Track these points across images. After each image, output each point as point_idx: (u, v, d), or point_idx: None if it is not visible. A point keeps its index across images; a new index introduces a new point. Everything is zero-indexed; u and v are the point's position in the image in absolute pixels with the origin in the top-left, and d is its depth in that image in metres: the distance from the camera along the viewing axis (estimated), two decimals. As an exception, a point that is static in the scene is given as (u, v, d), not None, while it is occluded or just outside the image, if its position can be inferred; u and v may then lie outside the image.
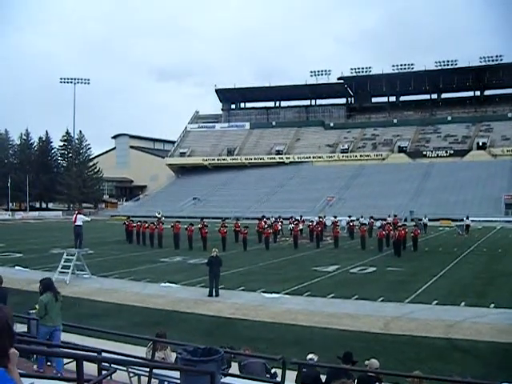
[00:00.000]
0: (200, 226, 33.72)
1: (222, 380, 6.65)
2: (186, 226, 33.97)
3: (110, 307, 16.23)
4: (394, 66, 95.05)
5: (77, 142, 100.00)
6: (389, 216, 46.15)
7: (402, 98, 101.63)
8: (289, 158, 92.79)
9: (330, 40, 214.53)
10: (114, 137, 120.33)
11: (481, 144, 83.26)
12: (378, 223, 39.51)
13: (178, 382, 6.62)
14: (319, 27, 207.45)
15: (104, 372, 6.34)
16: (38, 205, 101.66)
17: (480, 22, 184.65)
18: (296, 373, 7.55)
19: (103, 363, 7.03)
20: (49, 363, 8.98)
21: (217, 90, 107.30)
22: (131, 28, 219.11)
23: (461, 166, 76.96)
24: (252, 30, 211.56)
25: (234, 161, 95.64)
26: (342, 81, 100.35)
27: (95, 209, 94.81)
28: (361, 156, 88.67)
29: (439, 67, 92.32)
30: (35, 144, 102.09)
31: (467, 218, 46.20)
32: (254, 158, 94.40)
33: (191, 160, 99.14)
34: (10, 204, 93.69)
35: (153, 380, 7.61)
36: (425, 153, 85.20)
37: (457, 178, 72.87)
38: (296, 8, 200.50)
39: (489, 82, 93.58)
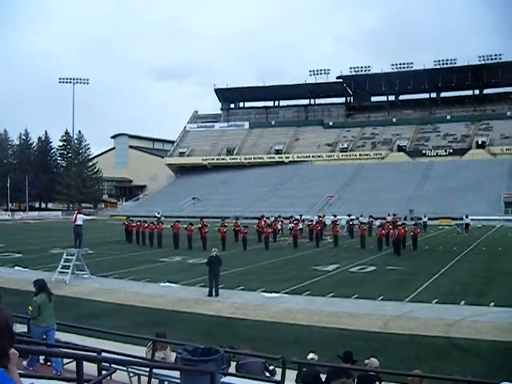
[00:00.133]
0: (200, 225, 33.72)
1: (222, 380, 6.65)
2: (185, 226, 33.97)
3: (110, 307, 16.23)
4: (393, 65, 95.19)
5: (76, 141, 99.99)
6: (388, 215, 46.20)
7: (402, 97, 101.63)
8: (288, 157, 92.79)
9: (330, 40, 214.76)
10: (114, 137, 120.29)
11: (480, 143, 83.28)
12: (378, 222, 39.52)
13: (178, 381, 6.62)
14: (319, 27, 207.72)
15: (104, 372, 6.33)
16: (37, 205, 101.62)
17: (479, 22, 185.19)
18: (296, 372, 7.55)
19: (103, 363, 7.03)
20: (49, 363, 8.99)
21: (216, 90, 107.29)
22: (131, 28, 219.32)
23: (460, 165, 76.98)
24: (252, 30, 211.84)
25: (233, 160, 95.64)
26: (341, 80, 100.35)
27: (95, 209, 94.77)
28: (360, 155, 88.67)
29: (438, 66, 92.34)
30: (34, 144, 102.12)
31: (467, 217, 46.22)
32: (254, 158, 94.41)
33: (190, 160, 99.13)
34: (10, 204, 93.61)
35: (153, 380, 7.61)
36: (424, 152, 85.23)
37: (456, 177, 72.85)
38: (296, 8, 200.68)
39: (488, 81, 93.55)
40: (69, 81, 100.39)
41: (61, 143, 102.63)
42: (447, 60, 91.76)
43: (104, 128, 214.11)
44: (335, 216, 43.51)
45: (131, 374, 8.28)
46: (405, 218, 55.00)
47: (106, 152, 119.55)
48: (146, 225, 35.97)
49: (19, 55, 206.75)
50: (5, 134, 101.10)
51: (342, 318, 14.40)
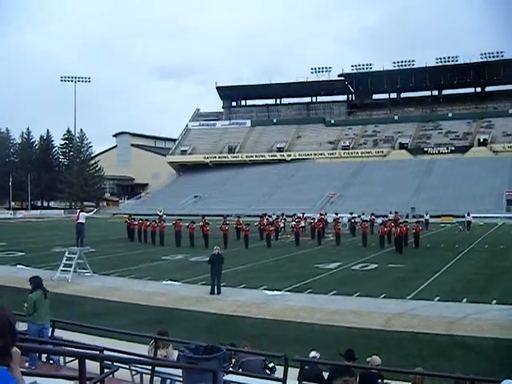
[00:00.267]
0: (201, 223, 33.72)
1: (224, 377, 6.66)
2: (187, 224, 33.97)
3: (112, 305, 16.25)
4: (394, 62, 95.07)
5: (78, 140, 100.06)
6: (390, 213, 46.16)
7: (403, 95, 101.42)
8: (290, 155, 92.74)
9: (330, 39, 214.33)
10: (115, 135, 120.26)
11: (482, 140, 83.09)
12: (380, 220, 39.53)
13: (180, 379, 6.63)
14: (319, 27, 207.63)
15: (106, 370, 6.34)
16: (39, 203, 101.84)
17: (481, 20, 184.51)
18: (298, 370, 7.55)
19: (105, 361, 7.04)
20: (51, 361, 9.01)
21: (217, 88, 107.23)
22: (131, 28, 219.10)
23: (462, 163, 76.88)
24: (252, 30, 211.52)
25: (235, 158, 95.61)
26: (342, 78, 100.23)
27: (97, 207, 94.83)
28: (362, 153, 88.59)
29: (440, 64, 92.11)
30: (36, 143, 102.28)
31: (468, 215, 46.18)
32: (255, 156, 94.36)
33: (192, 158, 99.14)
34: (12, 203, 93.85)
35: (155, 378, 7.63)
36: (426, 149, 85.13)
37: (458, 175, 72.79)
38: (296, 8, 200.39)
39: (490, 79, 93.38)
40: (70, 79, 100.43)
41: (63, 142, 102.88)
42: (449, 58, 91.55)
43: (106, 126, 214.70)
44: (337, 214, 43.47)
45: (133, 372, 8.30)
46: (407, 216, 54.94)
47: (107, 150, 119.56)
48: (148, 223, 36.02)
49: (19, 55, 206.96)
50: (7, 133, 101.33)
51: (344, 315, 14.40)
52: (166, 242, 33.71)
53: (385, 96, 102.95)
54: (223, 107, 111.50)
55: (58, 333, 10.21)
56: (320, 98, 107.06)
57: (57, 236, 41.00)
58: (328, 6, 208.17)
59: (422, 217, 47.95)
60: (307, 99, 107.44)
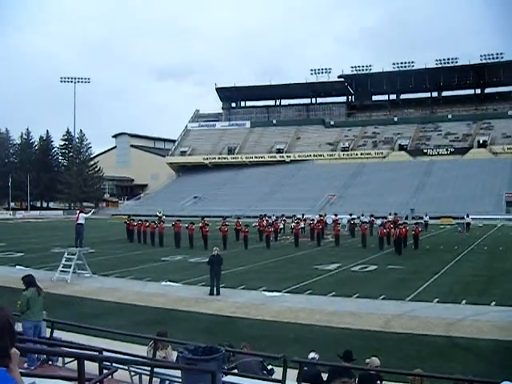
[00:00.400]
0: (201, 224, 33.72)
1: (223, 379, 6.66)
2: (186, 225, 33.98)
3: (111, 306, 16.24)
4: (394, 64, 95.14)
5: (77, 141, 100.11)
6: (390, 214, 46.17)
7: (403, 96, 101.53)
8: (289, 156, 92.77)
9: (330, 39, 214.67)
10: (115, 136, 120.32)
11: (481, 142, 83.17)
12: (379, 221, 39.54)
13: (179, 380, 6.63)
14: (319, 27, 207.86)
15: (105, 371, 6.34)
16: (38, 204, 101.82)
17: (480, 21, 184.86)
18: (297, 371, 7.54)
19: (104, 362, 7.04)
20: (50, 362, 9.01)
21: (217, 89, 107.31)
22: (131, 28, 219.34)
23: (461, 164, 76.94)
24: (252, 30, 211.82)
25: (234, 159, 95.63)
26: (342, 79, 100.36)
27: (96, 208, 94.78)
28: (361, 154, 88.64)
29: (440, 65, 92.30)
30: (36, 143, 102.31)
31: (467, 216, 46.19)
32: (255, 157, 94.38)
33: (192, 159, 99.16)
34: (11, 203, 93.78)
35: (154, 379, 7.62)
36: (425, 151, 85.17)
37: (457, 176, 72.84)
38: (296, 8, 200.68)
39: (489, 80, 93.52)
40: (70, 80, 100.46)
41: (62, 142, 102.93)
42: (449, 59, 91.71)
43: (105, 127, 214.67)
44: (336, 215, 43.50)
45: (132, 373, 8.29)
46: (406, 218, 54.97)
47: (107, 151, 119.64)
48: (148, 224, 36.01)
49: (19, 55, 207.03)
50: (6, 134, 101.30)
51: (343, 317, 14.40)
52: (166, 243, 33.70)
53: (384, 97, 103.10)
54: (223, 108, 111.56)
55: (57, 333, 10.20)
56: (319, 100, 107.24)
57: (56, 237, 40.98)
58: (328, 6, 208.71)
59: (422, 218, 47.97)
60: (307, 100, 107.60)
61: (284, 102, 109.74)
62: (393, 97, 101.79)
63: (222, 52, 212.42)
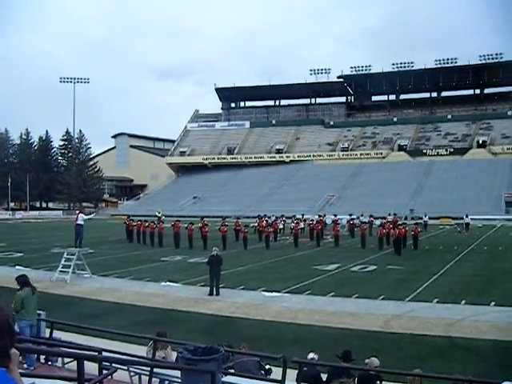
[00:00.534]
0: (200, 224, 33.71)
1: (223, 379, 6.66)
2: (186, 225, 33.97)
3: (111, 306, 16.23)
4: (393, 64, 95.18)
5: (77, 141, 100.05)
6: (389, 214, 46.18)
7: (402, 97, 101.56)
8: (289, 156, 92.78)
9: (330, 39, 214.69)
10: (114, 136, 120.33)
11: (481, 142, 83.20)
12: (378, 222, 39.54)
13: (179, 381, 6.63)
14: (319, 27, 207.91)
15: (105, 371, 6.34)
16: (38, 204, 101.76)
17: (480, 22, 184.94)
18: (297, 371, 7.54)
19: (104, 362, 7.04)
20: (49, 362, 9.00)
21: (217, 89, 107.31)
22: (131, 28, 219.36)
23: (461, 165, 76.94)
24: (252, 30, 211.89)
25: (234, 160, 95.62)
26: (341, 79, 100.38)
27: (95, 208, 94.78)
28: (361, 154, 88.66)
29: (439, 65, 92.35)
30: (35, 143, 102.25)
31: (467, 217, 46.19)
32: (254, 157, 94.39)
33: (191, 159, 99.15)
34: (11, 203, 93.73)
35: (153, 379, 7.62)
36: (425, 151, 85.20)
37: (457, 177, 72.86)
38: (296, 8, 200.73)
39: (489, 80, 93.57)
40: (69, 80, 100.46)
41: (61, 142, 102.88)
42: (448, 59, 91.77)
43: (104, 127, 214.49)
44: (336, 215, 43.50)
45: (132, 374, 8.29)
46: (405, 218, 55.01)
47: (106, 151, 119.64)
48: (147, 224, 35.99)
49: (19, 55, 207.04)
50: (6, 134, 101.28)
51: (342, 317, 14.40)
52: (165, 243, 33.69)
53: (384, 98, 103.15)
54: (222, 108, 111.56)
55: (57, 334, 10.19)
56: (319, 100, 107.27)
57: (55, 237, 40.95)
58: (328, 6, 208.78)
59: (421, 218, 48.00)
60: (306, 101, 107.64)
61: (283, 102, 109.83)
62: (392, 97, 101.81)
63: (221, 52, 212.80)
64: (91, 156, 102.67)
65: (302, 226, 39.24)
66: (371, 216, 43.81)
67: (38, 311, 10.25)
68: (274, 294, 17.58)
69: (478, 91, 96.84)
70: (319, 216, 43.43)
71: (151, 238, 34.81)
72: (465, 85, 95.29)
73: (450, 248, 31.67)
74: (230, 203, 73.30)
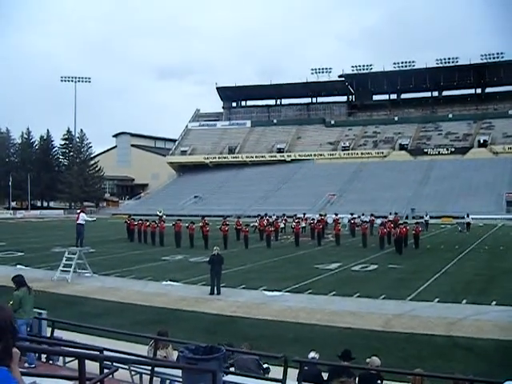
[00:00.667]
0: (201, 224, 33.71)
1: (224, 378, 6.66)
2: (187, 225, 33.97)
3: (112, 306, 16.24)
4: (394, 63, 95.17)
5: (78, 140, 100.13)
6: (390, 214, 46.17)
7: (403, 96, 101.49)
8: (290, 155, 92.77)
9: (331, 39, 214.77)
10: (115, 135, 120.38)
11: (482, 141, 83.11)
12: (379, 221, 39.53)
13: (180, 380, 6.63)
14: (319, 26, 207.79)
15: (106, 370, 6.34)
16: (39, 203, 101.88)
17: (481, 21, 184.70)
18: (297, 371, 7.55)
19: (105, 362, 7.04)
20: (50, 361, 9.01)
21: (218, 88, 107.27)
22: (131, 28, 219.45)
23: (462, 164, 76.90)
24: (252, 30, 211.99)
25: (235, 159, 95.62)
26: (342, 78, 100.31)
27: (97, 207, 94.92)
28: (362, 154, 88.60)
29: (440, 65, 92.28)
30: (36, 143, 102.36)
31: (468, 216, 46.17)
32: (256, 156, 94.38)
33: (192, 158, 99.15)
34: (12, 203, 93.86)
35: (155, 378, 7.63)
36: (426, 150, 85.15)
37: (458, 176, 72.79)
38: (296, 8, 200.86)
39: (490, 80, 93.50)
40: (71, 79, 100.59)
41: (63, 142, 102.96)
42: (449, 59, 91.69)
43: (106, 127, 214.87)
44: (337, 214, 43.48)
45: (133, 373, 8.30)
46: (406, 217, 54.97)
47: (107, 151, 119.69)
48: (148, 223, 36.00)
49: (19, 55, 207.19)
50: (7, 133, 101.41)
51: (343, 316, 14.39)
52: (166, 243, 33.70)
53: (385, 97, 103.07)
54: (223, 108, 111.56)
55: (58, 333, 10.20)
56: (320, 99, 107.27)
57: (56, 236, 40.99)
58: (328, 6, 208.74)
59: (422, 218, 47.94)
60: (307, 100, 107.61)
61: (284, 101, 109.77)
62: (393, 96, 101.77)
63: (222, 52, 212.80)
64: (92, 155, 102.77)
65: (304, 225, 39.23)
66: (372, 215, 43.78)
67: (40, 310, 10.27)
68: (275, 293, 17.58)
69: (479, 90, 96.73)
70: (320, 215, 43.42)
71: (152, 237, 34.82)
72: (466, 84, 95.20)
73: (451, 247, 31.66)
74: (231, 202, 73.30)
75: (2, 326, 2.48)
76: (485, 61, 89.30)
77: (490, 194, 65.92)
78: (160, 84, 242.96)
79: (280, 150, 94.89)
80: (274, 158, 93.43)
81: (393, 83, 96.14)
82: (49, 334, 9.82)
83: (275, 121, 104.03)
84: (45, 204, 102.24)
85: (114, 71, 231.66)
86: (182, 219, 36.99)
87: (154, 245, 33.95)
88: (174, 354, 8.39)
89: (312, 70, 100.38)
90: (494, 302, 15.67)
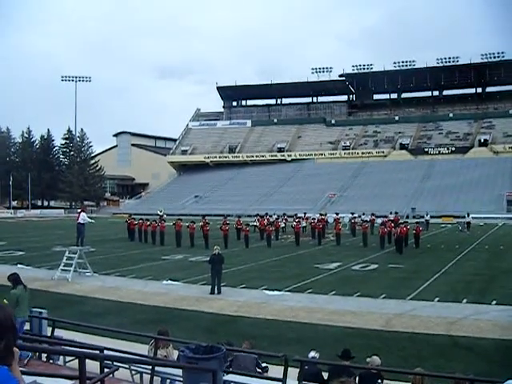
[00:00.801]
0: (202, 223, 33.71)
1: (224, 377, 6.67)
2: (187, 224, 33.97)
3: (112, 305, 16.25)
4: (395, 62, 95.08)
5: (78, 139, 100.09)
6: (390, 213, 46.13)
7: (404, 95, 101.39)
8: (290, 155, 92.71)
9: (331, 39, 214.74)
10: (116, 135, 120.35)
11: (482, 141, 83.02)
12: (380, 220, 39.51)
13: (180, 379, 6.64)
14: (320, 26, 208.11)
15: (106, 370, 6.35)
16: (39, 203, 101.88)
17: (481, 20, 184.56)
18: (298, 370, 7.56)
19: (105, 361, 7.04)
20: (51, 360, 9.01)
21: (218, 88, 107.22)
22: (131, 28, 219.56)
23: (462, 163, 76.85)
24: (252, 30, 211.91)
25: (235, 158, 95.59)
26: (343, 78, 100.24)
27: (97, 207, 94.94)
28: (362, 153, 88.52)
29: (441, 64, 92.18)
30: (37, 142, 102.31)
31: (468, 215, 46.15)
32: (256, 156, 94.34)
33: (193, 158, 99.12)
34: (12, 202, 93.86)
35: (155, 377, 7.64)
36: (426, 150, 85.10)
37: (458, 175, 72.77)
38: (296, 8, 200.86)
39: (490, 79, 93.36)
40: (71, 79, 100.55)
41: (63, 141, 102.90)
42: (450, 58, 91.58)
43: (106, 126, 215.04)
44: (337, 214, 43.44)
45: (133, 372, 8.31)
46: (407, 217, 54.96)
47: (108, 150, 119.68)
48: (148, 223, 36.01)
49: (19, 55, 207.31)
50: (7, 132, 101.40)
51: (343, 316, 14.40)
52: (167, 242, 33.69)
53: (385, 96, 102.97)
54: (224, 107, 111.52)
55: (58, 332, 10.22)
56: (321, 98, 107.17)
57: (57, 235, 41.01)
58: (328, 6, 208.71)
59: (423, 217, 47.93)
60: (308, 99, 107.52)
61: (285, 100, 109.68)
62: (394, 96, 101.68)
63: (222, 52, 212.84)
64: (93, 155, 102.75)
65: (304, 224, 39.23)
66: (373, 214, 43.76)
67: (40, 309, 10.28)
68: (276, 292, 17.59)
69: (479, 90, 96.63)
70: (321, 214, 43.41)
71: (153, 236, 34.83)
72: (466, 83, 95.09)
73: (452, 247, 31.66)
74: (231, 202, 73.25)
75: (3, 325, 2.48)
76: (485, 60, 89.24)
77: (490, 193, 65.89)
78: (160, 83, 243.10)
79: (280, 150, 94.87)
80: (275, 158, 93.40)
81: (393, 83, 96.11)
82: (49, 334, 9.83)
83: (276, 120, 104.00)
84: (45, 203, 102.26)
85: (115, 71, 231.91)
86: (183, 219, 37.00)
87: (155, 244, 33.96)
88: (175, 354, 8.40)
89: (312, 69, 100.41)
90: (495, 302, 15.67)
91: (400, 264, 24.25)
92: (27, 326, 10.03)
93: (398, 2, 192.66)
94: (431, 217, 49.76)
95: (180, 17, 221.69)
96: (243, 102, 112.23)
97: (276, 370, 8.15)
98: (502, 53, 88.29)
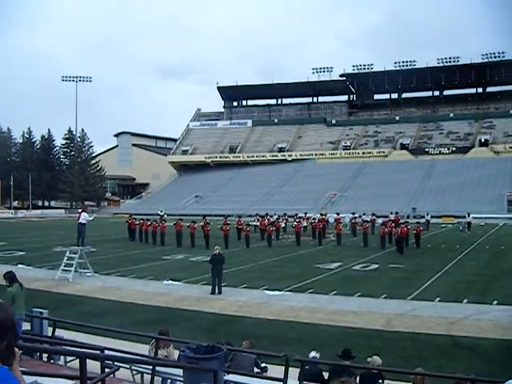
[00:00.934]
0: (202, 223, 33.70)
1: (225, 377, 6.67)
2: (188, 224, 33.96)
3: (113, 305, 16.25)
4: (395, 62, 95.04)
5: (79, 140, 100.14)
6: (391, 213, 46.11)
7: (404, 95, 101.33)
8: (291, 155, 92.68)
9: (331, 38, 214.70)
10: (117, 135, 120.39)
11: (483, 141, 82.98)
12: (380, 220, 39.50)
13: (181, 379, 6.64)
14: (320, 26, 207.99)
15: (107, 370, 6.34)
16: (40, 203, 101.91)
17: (482, 20, 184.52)
18: (298, 370, 7.55)
19: (106, 361, 7.04)
20: (52, 361, 9.02)
21: (219, 88, 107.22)
22: (132, 28, 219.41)
23: (463, 163, 76.80)
24: (253, 29, 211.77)
25: (236, 158, 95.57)
26: (343, 78, 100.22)
27: (98, 207, 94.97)
28: (363, 153, 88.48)
29: (441, 64, 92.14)
30: (37, 142, 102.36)
31: (469, 215, 46.11)
32: (257, 156, 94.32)
33: (193, 158, 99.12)
34: (13, 202, 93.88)
35: (156, 378, 7.63)
36: (427, 150, 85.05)
37: (459, 175, 72.71)
38: (296, 8, 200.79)
39: (491, 79, 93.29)
40: (72, 79, 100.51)
41: (64, 141, 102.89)
42: (450, 58, 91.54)
43: (107, 126, 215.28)
44: (338, 214, 43.42)
45: (134, 372, 8.31)
46: (407, 217, 54.92)
47: (109, 150, 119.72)
48: (149, 223, 36.00)
49: (19, 55, 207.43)
50: (8, 133, 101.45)
51: (344, 316, 14.39)
52: (167, 242, 33.69)
53: (386, 96, 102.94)
54: (224, 107, 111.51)
55: (59, 332, 10.22)
56: (321, 98, 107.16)
57: (58, 235, 41.02)
58: (328, 6, 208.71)
59: (423, 217, 47.88)
60: (308, 99, 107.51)
61: (285, 100, 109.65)
62: (394, 96, 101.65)
63: (222, 52, 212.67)
64: (93, 155, 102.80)
65: (305, 224, 39.21)
66: (373, 215, 43.73)
67: (41, 310, 10.29)
68: (276, 292, 17.59)
69: (480, 90, 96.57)
70: (321, 214, 43.40)
71: (153, 236, 34.82)
72: (467, 83, 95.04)
73: (452, 247, 31.64)
74: (232, 202, 73.22)
75: (4, 325, 2.48)
76: (486, 60, 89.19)
77: (491, 193, 65.84)
78: (161, 83, 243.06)
79: (281, 150, 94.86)
80: (275, 158, 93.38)
81: (394, 82, 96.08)
82: (50, 334, 9.83)
83: (276, 120, 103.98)
84: (46, 203, 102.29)
85: (115, 71, 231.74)
86: (183, 219, 37.00)
87: (155, 244, 33.96)
88: (175, 354, 8.40)
89: (313, 69, 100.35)
90: (495, 302, 15.66)
91: (401, 264, 24.24)
92: (28, 326, 10.04)
93: (398, 1, 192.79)
94: (432, 217, 49.69)
95: (180, 17, 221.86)
96: (244, 102, 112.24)
97: (277, 370, 8.14)
98: (503, 53, 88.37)
